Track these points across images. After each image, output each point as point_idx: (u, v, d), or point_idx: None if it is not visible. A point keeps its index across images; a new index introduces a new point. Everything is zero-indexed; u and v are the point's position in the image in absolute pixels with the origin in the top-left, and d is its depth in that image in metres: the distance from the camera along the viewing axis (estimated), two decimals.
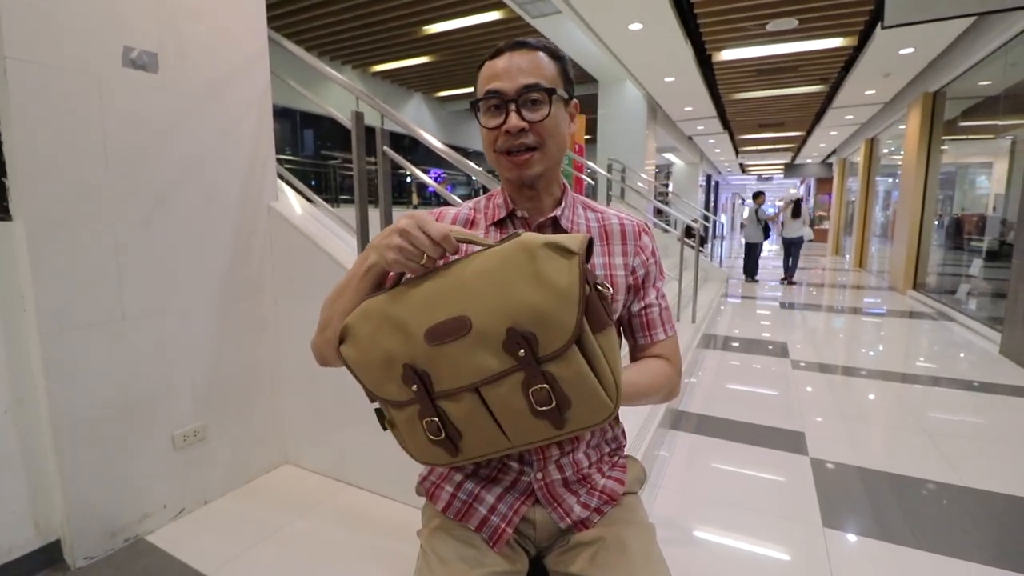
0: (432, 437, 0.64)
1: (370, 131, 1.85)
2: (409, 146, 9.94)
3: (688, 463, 2.21)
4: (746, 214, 8.66)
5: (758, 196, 8.19)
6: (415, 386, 0.61)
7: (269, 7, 1.89)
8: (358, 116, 1.84)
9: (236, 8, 1.79)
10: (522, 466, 0.79)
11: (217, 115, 1.75)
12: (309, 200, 2.17)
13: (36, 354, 1.38)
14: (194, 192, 1.70)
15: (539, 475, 0.79)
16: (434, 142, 1.85)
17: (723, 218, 20.01)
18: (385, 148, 1.82)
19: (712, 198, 19.60)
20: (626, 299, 0.82)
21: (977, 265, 5.44)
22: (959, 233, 5.98)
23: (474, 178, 1.96)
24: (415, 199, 10.19)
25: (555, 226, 0.80)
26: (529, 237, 0.59)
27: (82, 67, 1.40)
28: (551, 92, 0.72)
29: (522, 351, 0.56)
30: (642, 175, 7.67)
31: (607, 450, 0.86)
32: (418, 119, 11.60)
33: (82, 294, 1.44)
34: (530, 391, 0.57)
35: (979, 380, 3.35)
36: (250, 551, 1.57)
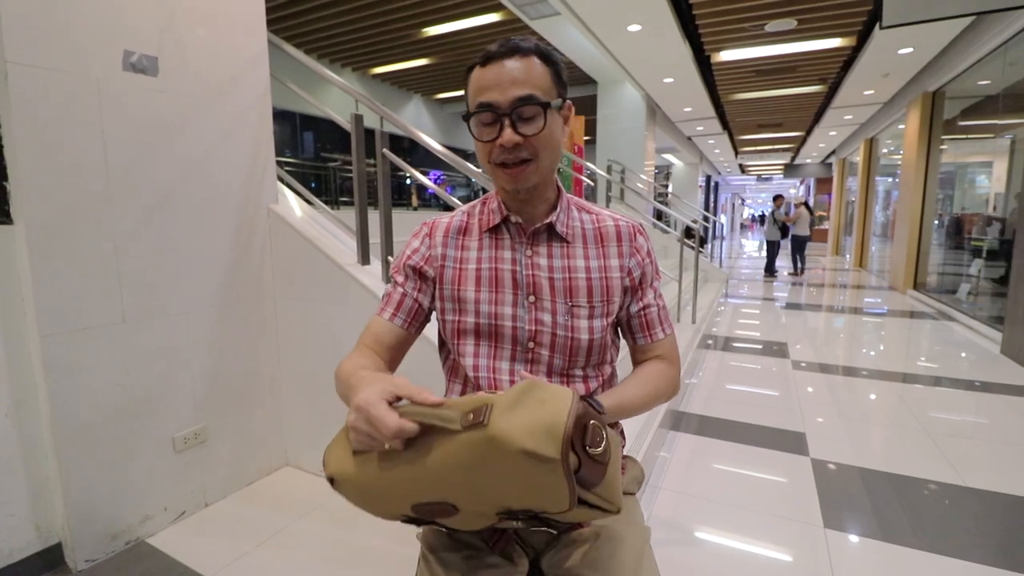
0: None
1: (369, 133, 1.86)
2: (408, 148, 9.96)
3: (689, 464, 2.20)
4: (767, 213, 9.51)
5: (778, 199, 8.98)
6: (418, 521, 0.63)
7: (268, 10, 1.90)
8: (357, 119, 1.85)
9: (236, 12, 1.79)
10: None
11: (217, 118, 1.75)
12: (309, 202, 2.17)
13: (36, 357, 1.39)
14: (194, 195, 1.70)
15: None
16: (433, 144, 1.85)
17: (723, 218, 20.02)
18: (384, 150, 1.82)
19: (712, 198, 19.60)
20: (623, 300, 0.82)
21: (977, 264, 5.44)
22: (959, 232, 5.98)
23: (473, 180, 1.97)
24: (415, 201, 10.19)
25: (550, 231, 0.81)
26: (500, 437, 0.50)
27: (83, 71, 1.40)
28: (546, 106, 0.70)
29: (519, 519, 0.58)
30: (642, 176, 7.68)
31: None
32: (417, 121, 11.61)
33: (82, 297, 1.44)
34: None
35: (980, 380, 3.35)
36: (251, 553, 1.58)
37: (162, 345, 1.65)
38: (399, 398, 0.56)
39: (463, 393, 0.86)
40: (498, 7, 5.77)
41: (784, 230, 9.06)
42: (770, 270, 9.02)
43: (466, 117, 0.74)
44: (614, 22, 5.12)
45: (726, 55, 6.39)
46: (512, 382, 0.80)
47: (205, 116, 1.72)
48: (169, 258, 1.65)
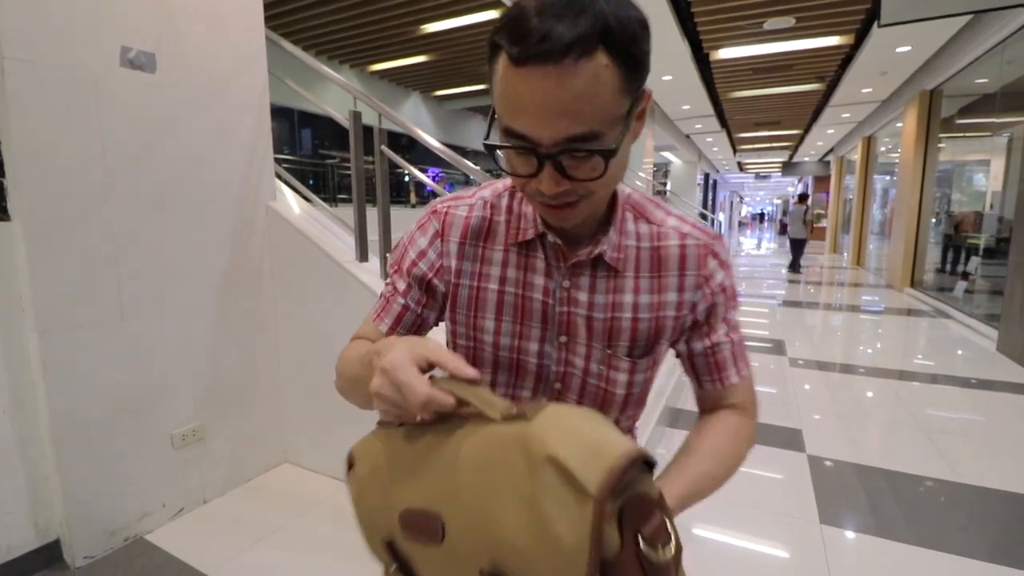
0: None
1: (367, 130, 1.86)
2: (407, 145, 9.93)
3: None
4: (791, 212, 9.80)
5: (804, 198, 9.45)
6: (394, 567, 0.54)
7: (266, 7, 1.90)
8: (356, 116, 1.85)
9: (234, 8, 1.79)
10: None
11: (215, 115, 1.75)
12: (307, 200, 2.17)
13: (35, 354, 1.39)
14: (192, 192, 1.70)
15: None
16: (431, 141, 1.85)
17: (721, 216, 20.04)
18: (383, 148, 1.82)
19: (710, 196, 19.62)
20: (678, 337, 0.66)
21: (974, 262, 5.46)
22: (956, 231, 6.00)
23: (472, 177, 1.97)
24: (413, 198, 10.18)
25: (595, 266, 0.62)
26: (536, 431, 0.39)
27: (80, 67, 1.40)
28: (610, 153, 0.48)
29: None
30: (640, 174, 7.68)
31: None
32: (416, 118, 11.59)
33: (80, 294, 1.44)
34: None
35: (976, 377, 3.36)
36: (249, 550, 1.58)
37: (160, 342, 1.65)
38: (432, 365, 0.47)
39: None
40: (497, 4, 5.76)
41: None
42: (795, 267, 9.39)
43: (489, 143, 0.52)
44: None
45: (724, 53, 6.39)
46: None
47: (203, 113, 1.71)
48: (167, 255, 1.65)
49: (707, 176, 18.52)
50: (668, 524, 0.39)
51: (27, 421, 1.42)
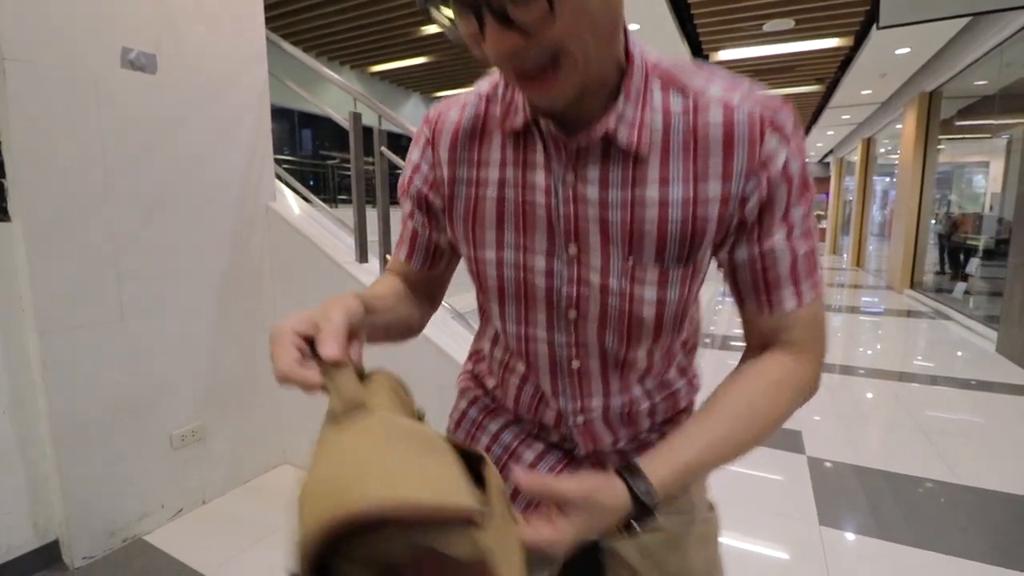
0: None
1: (367, 131, 1.86)
2: (407, 145, 9.92)
3: None
4: None
5: None
6: None
7: (267, 7, 1.90)
8: (355, 117, 1.85)
9: (234, 9, 1.79)
10: (560, 419, 0.59)
11: (215, 116, 1.75)
12: (307, 200, 2.17)
13: (35, 354, 1.39)
14: (192, 193, 1.70)
15: (580, 427, 0.59)
16: None
17: None
18: (383, 149, 1.83)
19: None
20: (722, 242, 0.51)
21: (974, 264, 5.47)
22: (956, 232, 6.01)
23: None
24: None
25: (606, 153, 0.49)
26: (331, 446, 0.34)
27: (80, 67, 1.40)
28: None
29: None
30: None
31: (678, 406, 0.63)
32: (416, 119, 11.60)
33: (80, 294, 1.44)
34: None
35: (976, 378, 3.36)
36: (248, 550, 1.58)
37: (160, 342, 1.65)
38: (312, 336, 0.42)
39: (493, 349, 0.65)
40: None
41: None
42: None
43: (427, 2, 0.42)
44: None
45: (724, 54, 6.40)
46: (552, 356, 0.56)
47: (203, 114, 1.72)
48: (167, 255, 1.65)
49: None
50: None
51: (27, 421, 1.42)
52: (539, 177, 0.51)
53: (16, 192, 1.32)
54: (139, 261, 1.57)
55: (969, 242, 5.66)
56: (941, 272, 6.35)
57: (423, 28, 6.84)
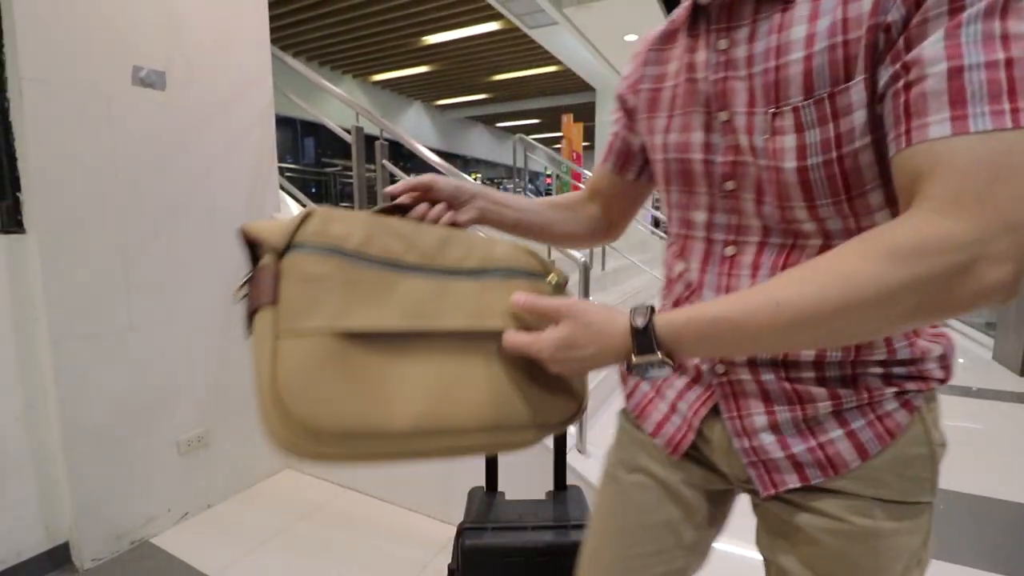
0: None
1: (370, 140, 1.91)
2: (408, 154, 10.03)
3: None
4: None
5: None
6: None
7: (270, 19, 1.96)
8: (358, 131, 1.91)
9: (241, 27, 1.85)
10: (713, 361, 0.54)
11: (222, 130, 1.81)
12: (304, 206, 2.23)
13: (47, 362, 1.44)
14: (200, 206, 1.76)
15: (722, 369, 0.53)
16: (429, 155, 1.91)
17: None
18: (384, 162, 1.88)
19: None
20: (876, 75, 0.41)
21: None
22: None
23: None
24: None
25: (757, 5, 0.48)
26: None
27: (93, 86, 1.46)
28: None
29: None
30: None
31: (866, 374, 0.49)
32: (418, 127, 11.71)
33: (92, 305, 1.49)
34: None
35: (973, 385, 3.39)
36: (252, 553, 1.62)
37: (168, 351, 1.70)
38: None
39: (666, 257, 0.64)
40: (497, 16, 5.85)
41: None
42: None
43: None
44: (611, 32, 5.20)
45: None
46: (707, 245, 0.55)
47: (211, 129, 1.77)
48: (175, 267, 1.70)
49: None
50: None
51: (39, 427, 1.47)
52: (700, 56, 0.52)
53: (31, 206, 1.38)
54: (148, 272, 1.62)
55: None
56: None
57: (425, 38, 6.94)
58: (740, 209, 0.52)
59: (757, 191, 0.49)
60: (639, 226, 5.49)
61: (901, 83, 0.38)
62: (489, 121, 14.23)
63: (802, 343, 0.43)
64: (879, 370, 0.49)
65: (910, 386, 0.50)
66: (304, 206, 2.25)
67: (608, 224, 0.75)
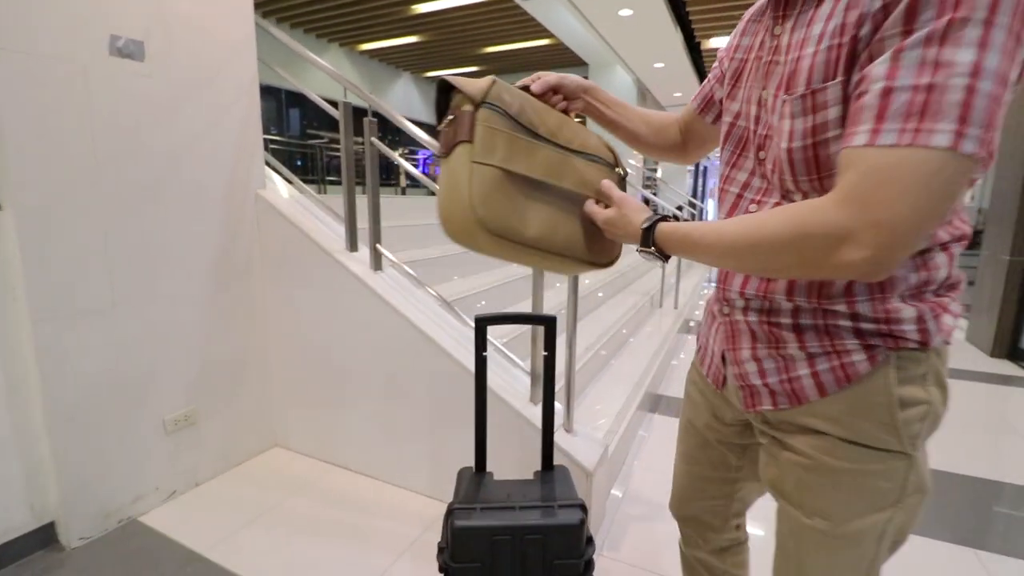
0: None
1: (358, 112, 1.86)
2: (396, 128, 9.83)
3: (664, 443, 2.30)
4: None
5: None
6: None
7: None
8: (346, 106, 1.86)
9: None
10: (721, 303, 0.71)
11: (205, 103, 1.75)
12: (290, 182, 2.18)
13: (28, 341, 1.41)
14: (182, 180, 1.71)
15: (724, 307, 0.69)
16: (417, 132, 1.87)
17: (711, 204, 20.16)
18: (373, 139, 1.84)
19: (700, 183, 19.71)
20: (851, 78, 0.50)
21: None
22: None
23: None
24: (403, 181, 10.12)
25: None
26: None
27: (68, 56, 1.40)
28: None
29: None
30: (631, 161, 7.71)
31: (835, 324, 0.58)
32: (406, 99, 11.45)
33: (72, 282, 1.46)
34: None
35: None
36: (241, 531, 1.63)
37: (152, 329, 1.68)
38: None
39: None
40: None
41: None
42: None
43: None
44: (605, 5, 5.09)
45: (716, 42, 6.39)
46: (736, 201, 0.67)
47: (193, 102, 1.72)
48: (158, 243, 1.66)
49: (697, 164, 18.56)
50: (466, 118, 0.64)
51: (22, 407, 1.45)
52: (767, 38, 0.62)
53: (6, 181, 1.33)
54: (130, 248, 1.59)
55: None
56: None
57: (414, 7, 6.73)
58: (767, 176, 0.62)
59: (776, 163, 0.59)
60: None
61: (856, 92, 0.47)
62: None
63: (732, 265, 0.60)
64: (848, 323, 0.58)
65: (877, 342, 0.57)
66: (290, 182, 2.21)
67: (684, 151, 0.90)
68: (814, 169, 0.54)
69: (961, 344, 4.03)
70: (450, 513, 0.95)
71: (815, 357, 0.59)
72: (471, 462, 1.20)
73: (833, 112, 0.51)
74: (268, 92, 8.40)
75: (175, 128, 1.67)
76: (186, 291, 1.76)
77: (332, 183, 8.08)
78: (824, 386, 0.59)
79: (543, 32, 7.25)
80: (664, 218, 0.63)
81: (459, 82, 0.65)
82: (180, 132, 1.69)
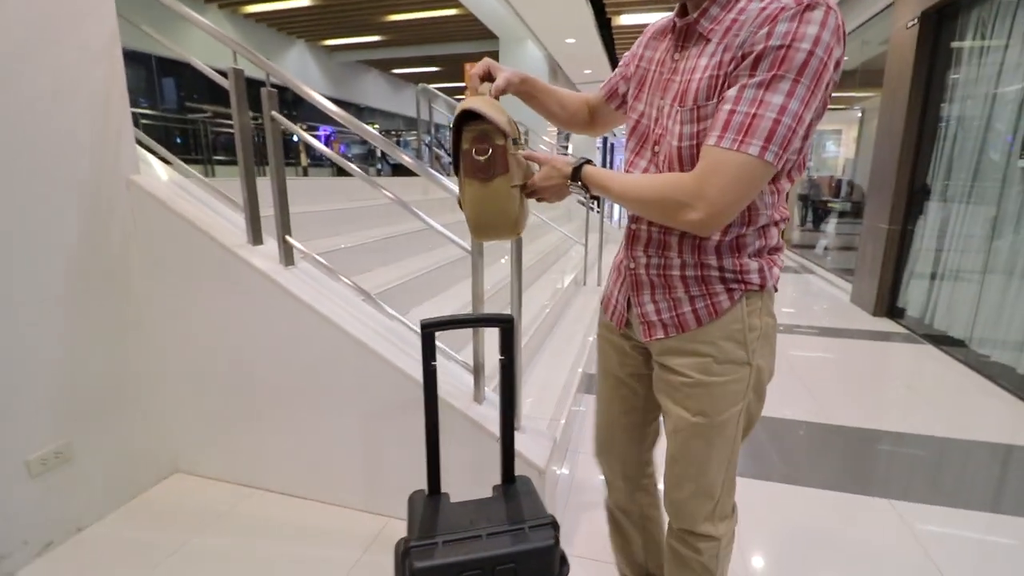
0: None
1: (252, 85, 1.59)
2: (293, 100, 9.02)
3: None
4: None
5: None
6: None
7: None
8: (237, 73, 1.58)
9: None
10: (628, 260, 0.91)
11: (48, 66, 1.40)
12: (167, 162, 1.86)
13: None
14: (24, 165, 1.36)
15: (632, 263, 0.90)
16: (325, 102, 1.64)
17: None
18: (274, 113, 1.59)
19: (609, 159, 20.33)
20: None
21: (831, 223, 6.21)
22: (816, 193, 6.75)
23: (369, 141, 1.77)
24: (304, 160, 9.34)
25: (696, 36, 0.76)
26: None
27: None
28: None
29: None
30: (544, 138, 7.68)
31: (708, 275, 0.82)
32: (302, 70, 10.53)
33: None
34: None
35: (832, 326, 3.86)
36: None
37: (1, 349, 1.34)
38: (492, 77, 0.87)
39: None
40: None
41: None
42: None
43: None
44: None
45: (626, 19, 6.47)
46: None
47: (31, 63, 1.36)
48: (2, 245, 1.32)
49: (605, 140, 19.10)
50: (491, 138, 0.77)
51: None
52: (668, 58, 0.81)
53: None
54: None
55: (828, 204, 6.39)
56: (804, 229, 7.14)
57: None
58: (658, 165, 0.82)
59: (667, 156, 0.79)
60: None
61: (717, 107, 0.69)
62: (385, 67, 13.15)
63: (627, 206, 0.81)
64: (716, 273, 0.82)
65: (734, 285, 0.82)
66: (169, 164, 1.87)
67: (592, 127, 1.07)
68: (696, 161, 0.73)
69: (846, 305, 4.48)
70: (406, 553, 0.82)
71: (695, 298, 0.83)
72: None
73: (710, 122, 0.71)
74: (135, 59, 7.29)
75: (12, 96, 1.32)
76: (40, 303, 1.43)
77: (220, 163, 7.26)
78: (700, 318, 0.83)
79: (451, 1, 6.92)
80: (589, 161, 0.82)
81: (492, 117, 0.74)
82: (14, 104, 1.33)
